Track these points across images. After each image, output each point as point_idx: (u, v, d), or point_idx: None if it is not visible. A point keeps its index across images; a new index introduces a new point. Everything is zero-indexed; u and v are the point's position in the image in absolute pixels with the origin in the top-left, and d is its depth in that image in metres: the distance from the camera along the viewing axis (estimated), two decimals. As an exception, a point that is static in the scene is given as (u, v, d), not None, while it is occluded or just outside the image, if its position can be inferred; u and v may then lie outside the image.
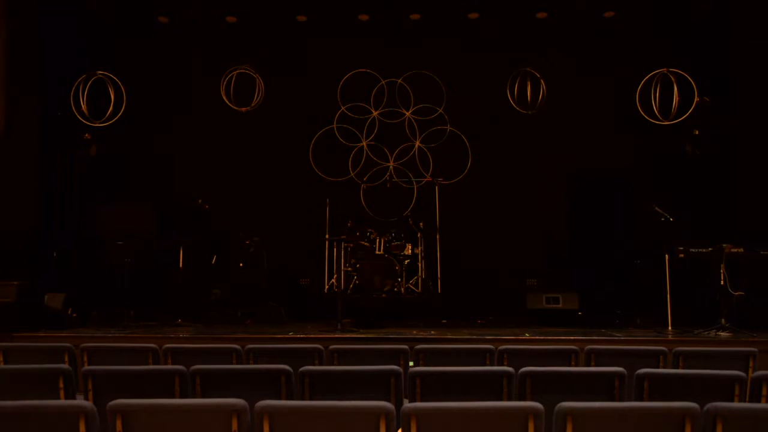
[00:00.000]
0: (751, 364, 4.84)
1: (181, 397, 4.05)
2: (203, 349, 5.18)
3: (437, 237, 9.79)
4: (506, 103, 9.61)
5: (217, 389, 4.11)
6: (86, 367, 4.31)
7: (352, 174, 10.83)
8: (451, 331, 7.56)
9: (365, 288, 9.08)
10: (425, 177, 10.56)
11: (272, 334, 7.27)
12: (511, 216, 10.50)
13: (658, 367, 4.80)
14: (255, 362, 4.85)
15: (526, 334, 7.25)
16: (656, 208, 8.03)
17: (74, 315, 7.99)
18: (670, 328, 7.75)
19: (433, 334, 7.29)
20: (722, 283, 7.41)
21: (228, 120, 10.31)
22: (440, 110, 10.87)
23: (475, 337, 7.09)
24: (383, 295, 9.16)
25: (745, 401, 4.02)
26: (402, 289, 9.32)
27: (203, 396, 4.11)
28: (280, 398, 4.08)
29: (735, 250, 7.51)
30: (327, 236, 9.52)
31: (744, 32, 9.36)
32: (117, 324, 7.85)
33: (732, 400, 3.97)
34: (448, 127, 10.87)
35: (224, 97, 9.64)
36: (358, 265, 9.33)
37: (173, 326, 7.84)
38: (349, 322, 8.35)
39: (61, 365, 4.32)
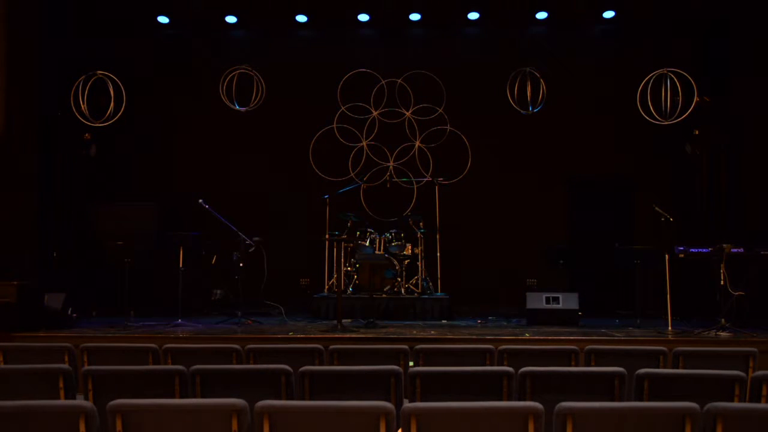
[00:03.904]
0: (751, 364, 4.83)
1: (181, 397, 4.04)
2: (203, 349, 5.17)
3: (437, 237, 9.79)
4: (506, 103, 9.61)
5: (217, 389, 4.11)
6: (86, 367, 4.29)
7: (352, 174, 10.83)
8: (451, 331, 7.56)
9: (365, 288, 9.08)
10: (425, 177, 10.57)
11: (272, 334, 7.27)
12: (511, 216, 10.51)
13: (658, 367, 4.79)
14: (255, 362, 4.84)
15: (526, 334, 7.24)
16: (656, 208, 8.03)
17: (74, 315, 7.98)
18: (670, 328, 7.75)
19: (433, 334, 7.29)
20: (722, 283, 7.41)
21: (228, 120, 10.32)
22: (440, 110, 10.88)
23: (475, 337, 7.09)
24: (383, 295, 9.16)
25: (745, 401, 4.01)
26: (402, 289, 9.32)
27: (203, 396, 4.11)
28: (280, 398, 4.08)
29: (735, 250, 7.50)
30: (327, 236, 9.52)
31: (745, 31, 9.37)
32: (117, 324, 7.85)
33: (732, 400, 3.97)
34: (448, 127, 10.88)
35: (224, 97, 9.64)
36: (358, 265, 9.33)
37: (173, 326, 7.83)
38: (350, 322, 8.35)
39: (61, 365, 4.30)
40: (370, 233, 9.64)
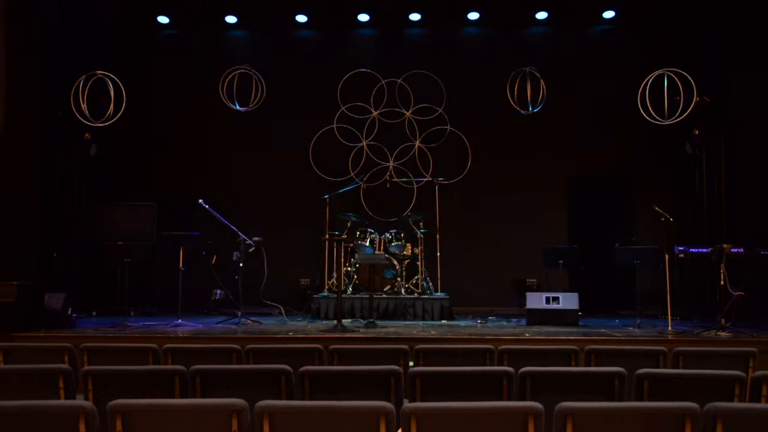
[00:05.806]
0: (751, 364, 4.83)
1: (181, 397, 4.04)
2: (203, 349, 5.17)
3: (437, 237, 9.79)
4: (506, 103, 9.61)
5: (217, 389, 4.11)
6: (86, 367, 4.29)
7: (352, 174, 10.83)
8: (451, 331, 7.56)
9: (365, 288, 9.07)
10: (425, 177, 10.56)
11: (272, 334, 7.27)
12: (511, 216, 10.53)
13: (658, 367, 4.79)
14: (255, 362, 4.84)
15: (526, 334, 7.24)
16: (656, 208, 8.03)
17: (74, 315, 7.98)
18: (670, 328, 7.75)
19: (433, 334, 7.29)
20: (722, 283, 7.41)
21: (228, 120, 10.31)
22: (440, 110, 10.88)
23: (475, 337, 7.09)
24: (383, 295, 9.16)
25: (745, 401, 4.01)
26: (402, 289, 9.32)
27: (203, 396, 4.11)
28: (280, 398, 4.07)
29: (735, 250, 7.50)
30: (327, 236, 9.52)
31: (745, 31, 9.37)
32: (117, 324, 7.85)
33: (732, 400, 3.96)
34: (448, 127, 10.88)
35: (224, 97, 9.64)
36: (358, 265, 9.33)
37: (173, 326, 7.83)
38: (350, 322, 8.35)
39: (61, 365, 4.30)
40: (370, 233, 9.64)
